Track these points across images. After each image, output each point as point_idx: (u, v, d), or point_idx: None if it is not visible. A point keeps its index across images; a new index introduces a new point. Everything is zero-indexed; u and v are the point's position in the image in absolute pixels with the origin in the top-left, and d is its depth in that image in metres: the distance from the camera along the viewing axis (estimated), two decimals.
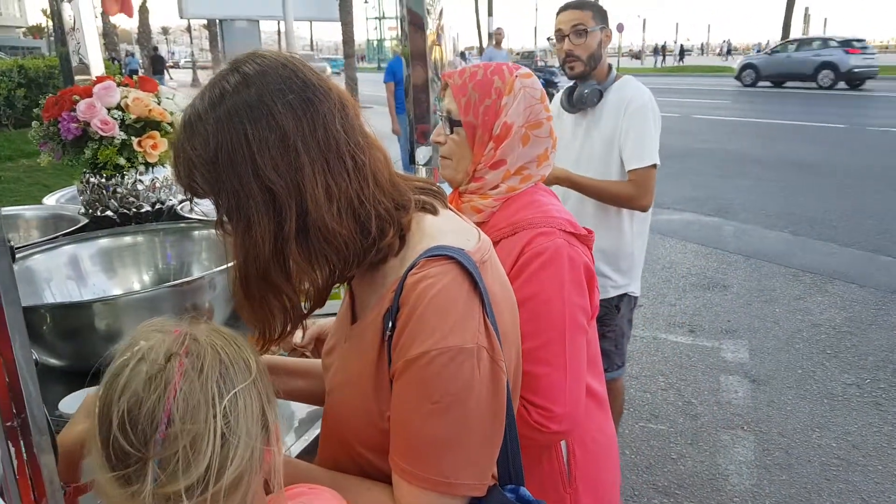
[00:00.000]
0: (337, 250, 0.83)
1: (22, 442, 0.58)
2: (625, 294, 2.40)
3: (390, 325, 0.84)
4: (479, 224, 1.28)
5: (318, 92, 0.83)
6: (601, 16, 2.27)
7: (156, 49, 28.17)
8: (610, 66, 2.34)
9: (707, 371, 3.79)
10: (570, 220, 1.30)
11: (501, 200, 1.32)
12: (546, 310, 1.21)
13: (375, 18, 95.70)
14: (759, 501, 2.71)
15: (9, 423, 0.56)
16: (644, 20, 66.45)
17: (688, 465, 2.95)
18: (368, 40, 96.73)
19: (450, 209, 0.99)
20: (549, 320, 1.21)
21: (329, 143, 0.82)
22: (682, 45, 55.25)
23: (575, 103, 2.34)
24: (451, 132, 1.32)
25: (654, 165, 2.22)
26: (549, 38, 2.41)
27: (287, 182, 0.79)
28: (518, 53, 30.49)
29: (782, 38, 33.67)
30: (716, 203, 7.47)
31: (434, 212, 0.94)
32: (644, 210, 2.28)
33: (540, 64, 22.11)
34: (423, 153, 2.23)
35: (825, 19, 80.00)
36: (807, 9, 41.70)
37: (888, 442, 3.06)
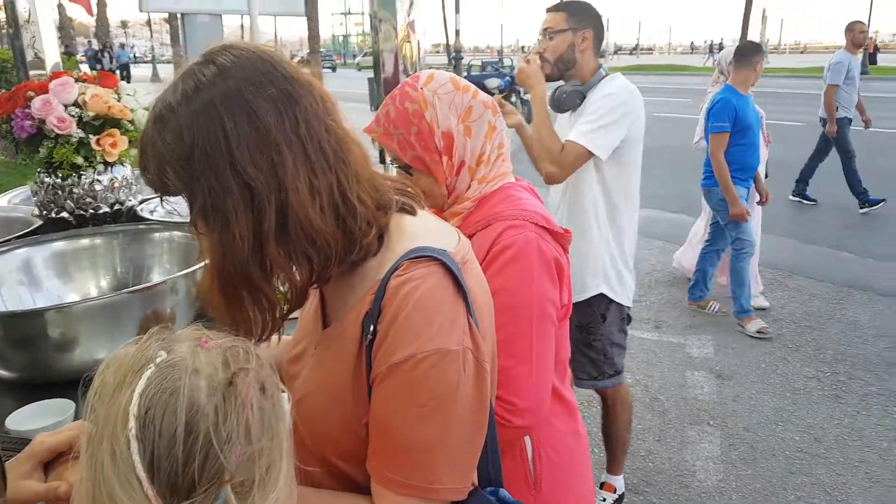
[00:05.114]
0: (319, 248, 0.81)
1: None
2: (611, 301, 2.32)
3: (371, 328, 0.82)
4: (458, 225, 1.26)
5: (299, 86, 0.80)
6: (580, 17, 2.21)
7: (67, 46, 27.32)
8: (599, 67, 2.27)
9: (673, 367, 3.83)
10: (544, 214, 1.30)
11: (477, 200, 1.31)
12: (514, 303, 1.20)
13: (341, 14, 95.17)
14: (725, 496, 2.74)
15: None
16: (608, 20, 67.15)
17: (655, 462, 2.97)
18: (334, 36, 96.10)
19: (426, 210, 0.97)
20: (517, 313, 1.21)
21: (311, 138, 0.79)
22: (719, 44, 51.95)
23: (557, 104, 2.31)
24: (410, 174, 1.28)
25: (588, 151, 2.13)
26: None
27: (267, 178, 0.76)
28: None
29: (741, 39, 34.27)
30: (680, 200, 7.56)
31: (412, 212, 0.92)
32: (547, 179, 2.20)
33: (507, 61, 22.21)
34: None
35: (781, 20, 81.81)
36: (764, 10, 42.54)
37: (848, 434, 3.13)
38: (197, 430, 0.59)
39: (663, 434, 3.18)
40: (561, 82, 2.34)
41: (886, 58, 37.82)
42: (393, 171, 1.34)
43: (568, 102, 2.28)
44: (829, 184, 7.19)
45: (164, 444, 0.58)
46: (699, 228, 4.97)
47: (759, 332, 4.14)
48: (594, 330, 2.34)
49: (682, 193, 7.89)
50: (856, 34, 6.53)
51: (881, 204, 6.75)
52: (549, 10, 2.28)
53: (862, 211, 6.82)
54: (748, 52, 4.11)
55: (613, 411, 2.55)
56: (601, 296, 2.30)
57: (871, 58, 34.77)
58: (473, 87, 1.31)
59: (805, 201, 7.25)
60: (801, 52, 77.16)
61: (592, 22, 2.24)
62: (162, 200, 0.84)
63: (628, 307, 2.39)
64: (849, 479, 2.82)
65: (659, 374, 3.76)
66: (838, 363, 3.82)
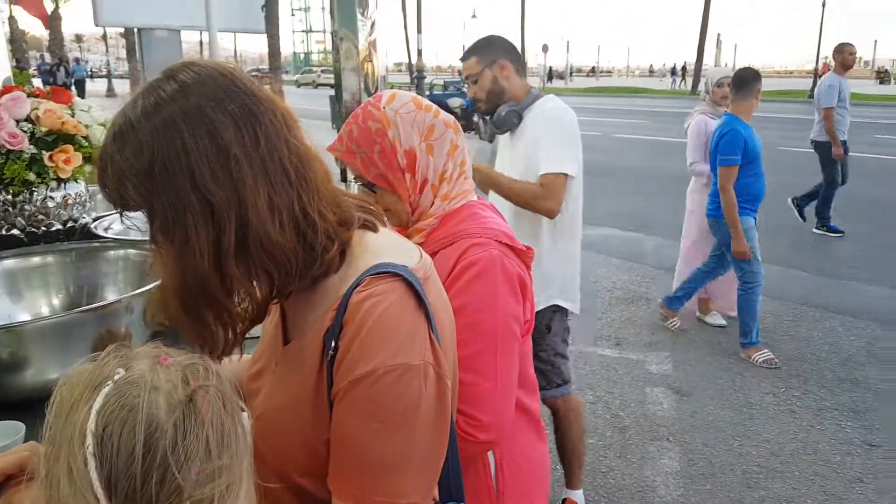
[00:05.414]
0: (279, 264, 0.81)
1: None
2: (556, 311, 2.41)
3: (333, 344, 0.82)
4: (421, 242, 1.27)
5: (260, 102, 0.81)
6: (488, 53, 2.38)
7: (18, 60, 26.46)
8: (529, 88, 2.43)
9: (633, 383, 3.88)
10: (507, 232, 1.33)
11: (440, 217, 1.33)
12: (479, 319, 1.22)
13: (302, 31, 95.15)
14: None
15: None
16: (567, 42, 68.50)
17: (617, 479, 2.99)
18: (295, 53, 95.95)
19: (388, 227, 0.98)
20: (482, 330, 1.23)
21: (272, 155, 0.80)
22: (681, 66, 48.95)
23: (498, 125, 2.45)
24: (374, 192, 1.30)
25: (565, 175, 2.26)
26: None
27: (227, 193, 0.76)
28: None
29: (696, 62, 35.32)
30: (636, 219, 7.71)
31: (374, 229, 0.93)
32: (549, 215, 2.30)
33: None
34: None
35: (735, 45, 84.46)
36: (718, 35, 43.89)
37: (803, 448, 3.20)
38: (156, 448, 0.58)
39: (624, 450, 3.21)
40: None
41: None
42: (355, 189, 1.35)
43: (507, 122, 2.41)
44: (781, 204, 7.40)
45: (122, 461, 0.58)
46: (686, 250, 4.76)
47: (765, 362, 4.05)
48: (540, 341, 2.39)
49: (638, 212, 8.06)
50: (845, 56, 6.47)
51: (838, 235, 6.88)
52: (461, 59, 2.46)
53: (816, 230, 7.00)
54: (749, 80, 3.93)
55: (567, 422, 2.57)
56: (549, 307, 2.38)
57: None
58: (435, 106, 1.32)
59: (798, 215, 7.16)
60: None
61: (502, 51, 2.40)
62: (122, 216, 0.84)
63: (573, 313, 2.49)
64: (804, 492, 2.88)
65: (619, 390, 3.80)
66: (792, 378, 3.91)
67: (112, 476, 0.57)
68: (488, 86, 2.38)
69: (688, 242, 4.70)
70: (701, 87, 4.89)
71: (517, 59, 2.43)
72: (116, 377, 0.62)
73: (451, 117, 1.34)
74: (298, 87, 50.20)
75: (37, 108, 1.86)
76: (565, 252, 2.41)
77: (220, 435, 0.62)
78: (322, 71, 55.36)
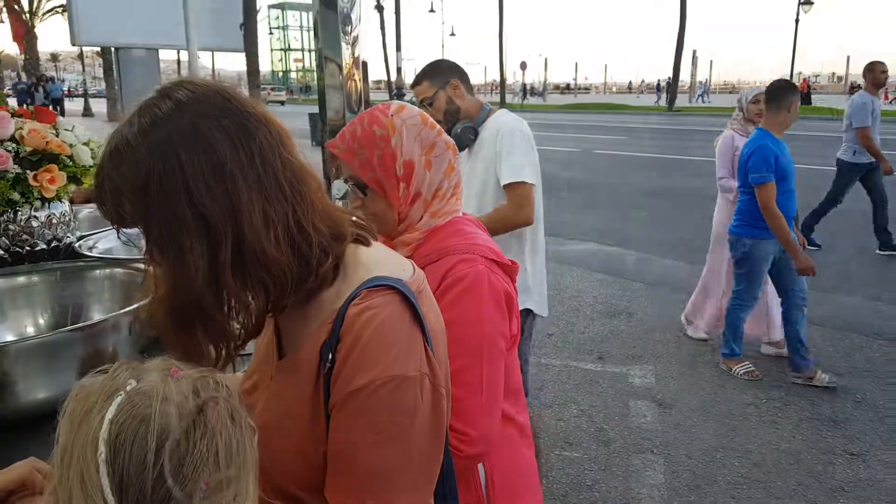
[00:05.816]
0: (275, 277, 0.82)
1: None
2: (527, 315, 2.46)
3: (330, 356, 0.83)
4: (407, 256, 1.29)
5: (254, 119, 0.82)
6: (439, 76, 2.48)
7: None
8: (481, 105, 2.54)
9: (617, 397, 3.90)
10: (493, 248, 1.35)
11: (427, 232, 1.34)
12: (465, 334, 1.24)
13: (280, 50, 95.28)
14: None
15: None
16: (546, 59, 69.31)
17: (602, 492, 3.00)
18: (273, 71, 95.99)
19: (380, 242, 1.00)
20: (468, 345, 1.24)
21: (266, 170, 0.81)
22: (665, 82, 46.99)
23: (456, 144, 2.49)
24: (365, 195, 1.32)
25: (525, 182, 2.36)
26: None
27: (222, 209, 0.78)
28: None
29: (673, 78, 35.86)
30: (616, 234, 7.78)
31: (367, 243, 0.95)
32: (526, 224, 2.40)
33: None
34: (338, 187, 2.22)
35: (711, 61, 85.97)
36: (694, 51, 44.69)
37: (785, 458, 3.24)
38: (163, 457, 0.60)
39: (609, 464, 3.22)
40: None
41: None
42: (339, 202, 1.36)
43: (463, 139, 2.49)
44: None
45: (134, 469, 0.59)
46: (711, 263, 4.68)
47: (746, 374, 4.06)
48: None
49: (618, 228, 8.13)
50: (877, 74, 6.34)
51: (815, 248, 6.89)
52: (413, 86, 2.56)
53: None
54: (783, 93, 3.75)
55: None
56: (521, 310, 2.41)
57: (806, 98, 36.74)
58: (439, 126, 1.36)
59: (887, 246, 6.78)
60: (730, 92, 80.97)
61: (451, 71, 2.50)
62: (118, 233, 0.85)
63: (542, 316, 2.57)
64: (787, 502, 2.90)
65: (603, 404, 3.82)
66: (773, 389, 3.95)
67: (123, 484, 0.59)
68: (444, 106, 2.46)
69: (712, 256, 4.69)
70: (735, 103, 4.78)
71: (466, 77, 2.53)
72: (128, 388, 0.64)
73: (452, 140, 1.38)
74: None
75: (21, 128, 1.85)
76: (533, 256, 2.50)
77: (228, 446, 0.64)
78: (272, 89, 60.98)
